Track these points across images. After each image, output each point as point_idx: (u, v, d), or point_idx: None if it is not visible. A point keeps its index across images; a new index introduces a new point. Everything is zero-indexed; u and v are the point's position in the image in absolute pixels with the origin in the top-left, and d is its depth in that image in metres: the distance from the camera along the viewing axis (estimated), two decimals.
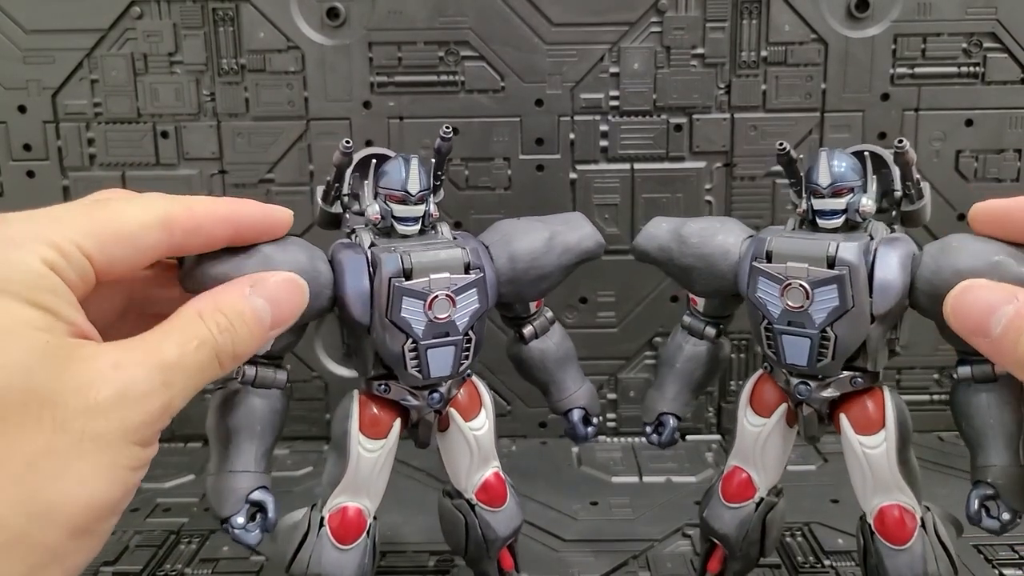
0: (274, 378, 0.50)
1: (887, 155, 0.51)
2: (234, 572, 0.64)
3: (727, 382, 0.85)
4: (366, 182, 0.52)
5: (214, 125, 0.81)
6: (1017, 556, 0.63)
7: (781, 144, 0.50)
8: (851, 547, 0.63)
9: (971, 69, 0.80)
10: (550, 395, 0.59)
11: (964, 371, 0.49)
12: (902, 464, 0.50)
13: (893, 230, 0.51)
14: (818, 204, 0.50)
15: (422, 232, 0.51)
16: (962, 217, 0.82)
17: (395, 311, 0.48)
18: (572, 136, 0.81)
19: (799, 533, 0.67)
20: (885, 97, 0.80)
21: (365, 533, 0.52)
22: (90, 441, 0.36)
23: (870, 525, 0.51)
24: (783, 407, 0.53)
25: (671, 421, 0.57)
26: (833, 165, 0.49)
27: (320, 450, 0.83)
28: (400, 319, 0.48)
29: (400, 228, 0.50)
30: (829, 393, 0.50)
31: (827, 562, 0.63)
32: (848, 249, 0.47)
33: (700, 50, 0.80)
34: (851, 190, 0.49)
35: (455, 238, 0.52)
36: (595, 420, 0.59)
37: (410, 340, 0.49)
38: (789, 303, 0.48)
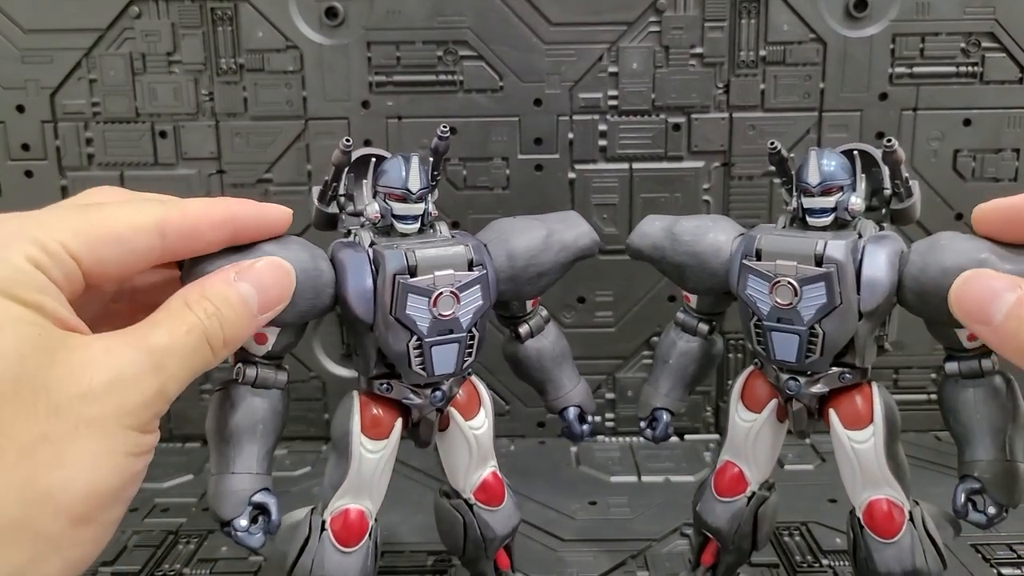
0: (275, 378, 0.49)
1: (877, 154, 0.51)
2: (232, 572, 0.64)
3: (724, 381, 0.85)
4: (364, 181, 0.51)
5: (212, 125, 0.81)
6: (1015, 555, 0.63)
7: (772, 143, 0.51)
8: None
9: (969, 69, 0.80)
10: (546, 394, 0.59)
11: (951, 367, 0.50)
12: (890, 459, 0.50)
13: (882, 228, 0.52)
14: (808, 203, 0.50)
15: (421, 231, 0.51)
16: (960, 216, 0.82)
17: (400, 308, 0.48)
18: (571, 136, 0.81)
19: (797, 532, 0.67)
20: (883, 97, 0.80)
21: (367, 535, 0.51)
22: (85, 427, 0.36)
23: (859, 519, 0.52)
24: (774, 402, 0.54)
25: (665, 416, 0.58)
26: (822, 164, 0.50)
27: (318, 450, 0.83)
28: (405, 316, 0.48)
29: (400, 226, 0.50)
30: (818, 389, 0.51)
31: (825, 561, 0.63)
32: (836, 247, 0.48)
33: (699, 50, 0.80)
34: (840, 189, 0.50)
35: (453, 236, 0.52)
36: (590, 418, 0.59)
37: (415, 337, 0.49)
38: (778, 300, 0.49)
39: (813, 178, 0.50)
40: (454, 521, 0.55)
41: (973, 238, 0.47)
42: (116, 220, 0.40)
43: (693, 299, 0.57)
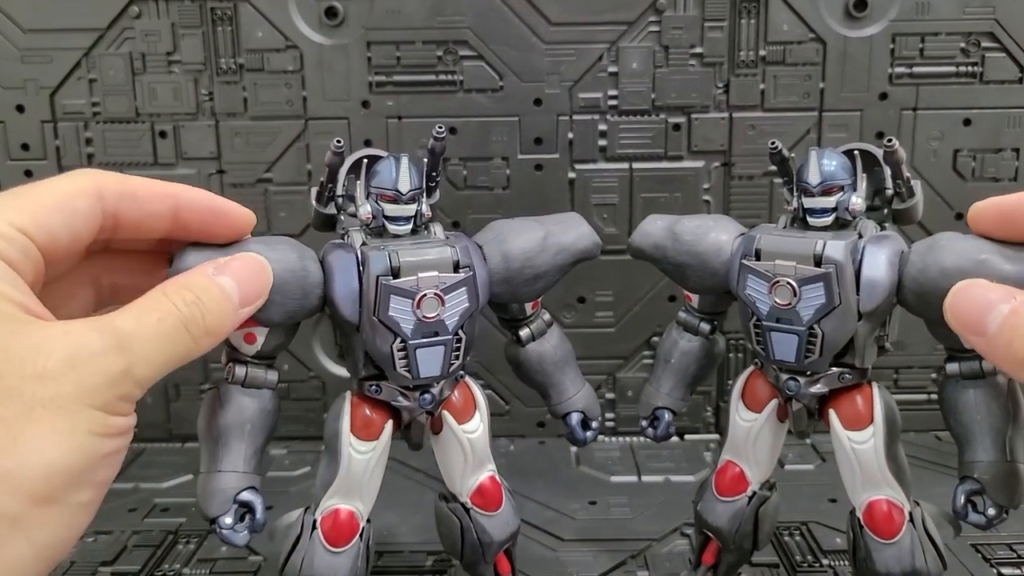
0: (264, 378, 0.50)
1: (878, 153, 0.51)
2: (232, 572, 0.64)
3: (724, 381, 0.85)
4: (359, 182, 0.51)
5: (212, 124, 0.81)
6: (1015, 555, 0.63)
7: (773, 143, 0.51)
8: None
9: (969, 69, 0.80)
10: (549, 398, 0.58)
11: (952, 367, 0.50)
12: (890, 459, 0.50)
13: (884, 228, 0.51)
14: (808, 203, 0.50)
15: (415, 232, 0.51)
16: (960, 216, 0.82)
17: (383, 310, 0.48)
18: (571, 135, 0.81)
19: (797, 532, 0.67)
20: (883, 96, 0.80)
21: (358, 536, 0.52)
22: (41, 407, 0.36)
23: (859, 519, 0.52)
24: (774, 402, 0.54)
25: (666, 415, 0.58)
26: (823, 164, 0.50)
27: (318, 450, 0.83)
28: (388, 318, 0.48)
29: (392, 228, 0.50)
30: (818, 389, 0.51)
31: (825, 561, 0.63)
32: (835, 247, 0.48)
33: (698, 49, 0.80)
34: (841, 189, 0.50)
35: (448, 238, 0.51)
36: (594, 424, 0.59)
37: (399, 339, 0.49)
38: (777, 300, 0.49)
39: (813, 178, 0.50)
40: (452, 525, 0.55)
41: (973, 239, 0.47)
42: (54, 189, 0.42)
43: (695, 299, 0.57)
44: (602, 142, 0.81)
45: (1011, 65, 0.79)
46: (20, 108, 0.81)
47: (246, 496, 0.48)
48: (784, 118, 0.81)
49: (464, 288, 0.49)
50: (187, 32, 0.80)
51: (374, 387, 0.51)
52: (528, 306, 0.57)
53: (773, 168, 0.53)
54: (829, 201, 0.50)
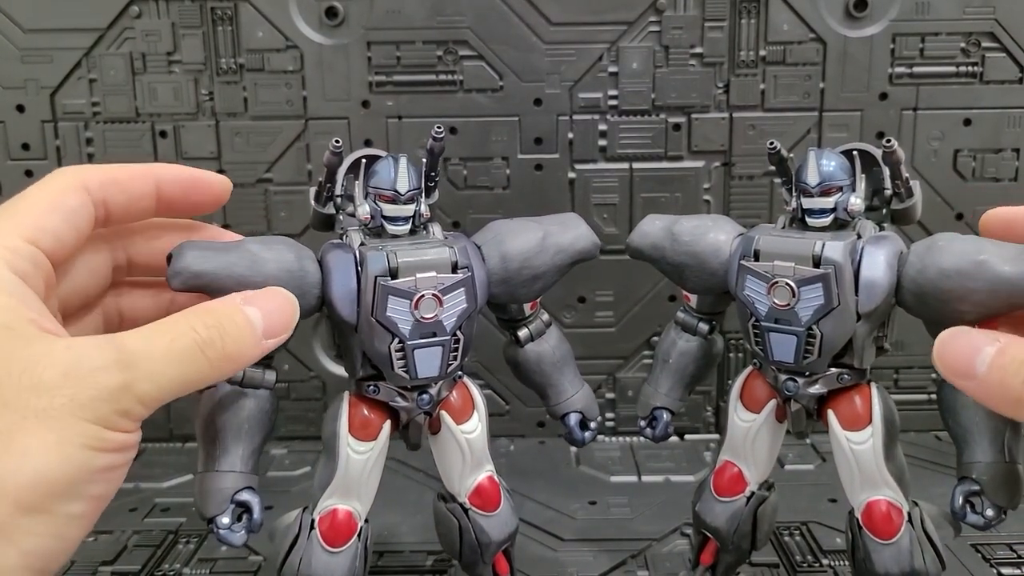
0: (262, 378, 0.50)
1: (877, 153, 0.51)
2: (232, 572, 0.64)
3: (724, 381, 0.85)
4: (357, 182, 0.51)
5: (212, 124, 0.81)
6: (1015, 555, 0.63)
7: (772, 143, 0.51)
8: None
9: (969, 69, 0.80)
10: (547, 399, 0.58)
11: None
12: (889, 460, 0.50)
13: (883, 228, 0.51)
14: (807, 203, 0.50)
15: (413, 232, 0.51)
16: (960, 216, 0.82)
17: (380, 310, 0.48)
18: (571, 135, 0.81)
19: (797, 532, 0.67)
20: (883, 97, 0.80)
21: (356, 536, 0.52)
22: (35, 417, 0.36)
23: (858, 520, 0.52)
24: (772, 403, 0.54)
25: (664, 415, 0.58)
26: (822, 164, 0.50)
27: (318, 450, 0.83)
28: (386, 318, 0.48)
29: (390, 228, 0.50)
30: (816, 389, 0.51)
31: (825, 561, 0.63)
32: (833, 248, 0.48)
33: (699, 49, 0.80)
34: (840, 189, 0.50)
35: (446, 238, 0.51)
36: (593, 425, 0.58)
37: (396, 340, 0.49)
38: (776, 301, 0.49)
39: (812, 178, 0.50)
40: (451, 525, 0.55)
41: (972, 239, 0.47)
42: (44, 193, 0.43)
43: (693, 299, 0.57)
44: (602, 142, 0.81)
45: (1011, 65, 0.79)
46: (20, 108, 0.81)
47: (243, 496, 0.48)
48: (784, 118, 0.81)
49: (462, 289, 0.49)
50: (187, 32, 0.80)
51: (372, 387, 0.51)
52: (527, 307, 0.57)
53: (773, 168, 0.53)
54: (828, 201, 0.50)
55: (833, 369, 0.51)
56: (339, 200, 0.52)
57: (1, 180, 0.82)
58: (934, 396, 0.52)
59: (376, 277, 0.48)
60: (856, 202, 0.50)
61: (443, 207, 0.81)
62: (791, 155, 0.52)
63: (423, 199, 0.51)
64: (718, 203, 0.82)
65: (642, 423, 0.59)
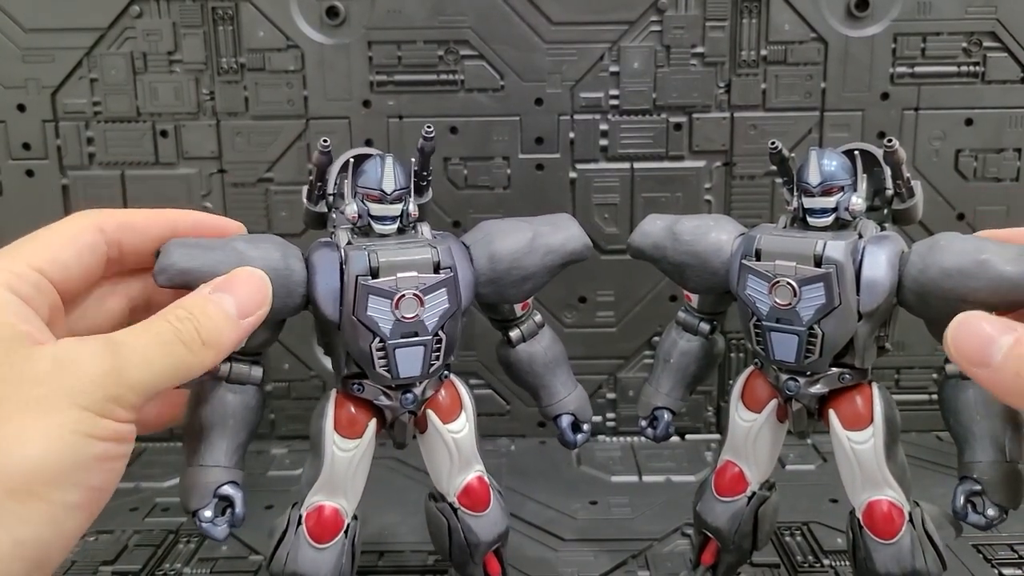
0: (249, 374, 0.50)
1: (879, 153, 0.51)
2: (232, 572, 0.64)
3: (725, 381, 0.85)
4: (347, 181, 0.51)
5: (213, 124, 0.81)
6: (1016, 555, 0.63)
7: (773, 143, 0.50)
8: None
9: (971, 68, 0.79)
10: (540, 400, 0.58)
11: (952, 368, 0.50)
12: (890, 460, 0.50)
13: (884, 228, 0.51)
14: (808, 203, 0.50)
15: (402, 232, 0.51)
16: (962, 216, 0.82)
17: (361, 309, 0.48)
18: (572, 135, 0.81)
19: (798, 533, 0.67)
20: (885, 96, 0.80)
21: (343, 533, 0.52)
22: (26, 406, 0.37)
23: (859, 519, 0.52)
24: (774, 402, 0.54)
25: (665, 415, 0.58)
26: (823, 164, 0.50)
27: None
28: (367, 317, 0.48)
29: (377, 227, 0.50)
30: (817, 389, 0.51)
31: (826, 561, 0.63)
32: (835, 248, 0.48)
33: (700, 49, 0.80)
34: (841, 189, 0.50)
35: (434, 238, 0.52)
36: (586, 427, 0.58)
37: (377, 339, 0.49)
38: (777, 301, 0.49)
39: (813, 178, 0.50)
40: (440, 524, 0.55)
41: (974, 239, 0.47)
42: (61, 230, 0.46)
43: (695, 298, 0.57)
44: (603, 142, 0.81)
45: (1013, 65, 0.79)
46: (21, 107, 0.81)
47: (226, 490, 0.49)
48: (785, 118, 0.81)
49: (444, 289, 0.49)
50: (188, 32, 0.80)
51: (357, 386, 0.51)
52: (518, 307, 0.56)
53: (774, 168, 0.53)
54: (829, 201, 0.50)
55: (834, 369, 0.51)
56: (331, 199, 0.52)
57: (2, 180, 0.82)
58: (935, 396, 0.52)
59: (357, 276, 0.48)
60: (857, 202, 0.50)
61: (444, 207, 0.81)
62: (792, 155, 0.52)
63: (411, 199, 0.51)
64: (719, 203, 0.82)
65: (643, 423, 0.59)
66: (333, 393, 0.53)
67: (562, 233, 0.54)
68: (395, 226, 0.51)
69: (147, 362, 0.41)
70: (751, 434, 0.54)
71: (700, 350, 0.57)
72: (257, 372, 0.51)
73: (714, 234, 0.53)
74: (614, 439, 0.86)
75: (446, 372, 0.53)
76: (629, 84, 0.80)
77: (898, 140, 0.49)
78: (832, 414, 0.52)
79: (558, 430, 0.58)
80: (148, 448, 0.85)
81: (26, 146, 0.82)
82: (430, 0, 0.79)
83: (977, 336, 0.42)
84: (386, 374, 0.50)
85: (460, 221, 0.82)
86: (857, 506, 0.52)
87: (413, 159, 0.51)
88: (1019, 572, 0.61)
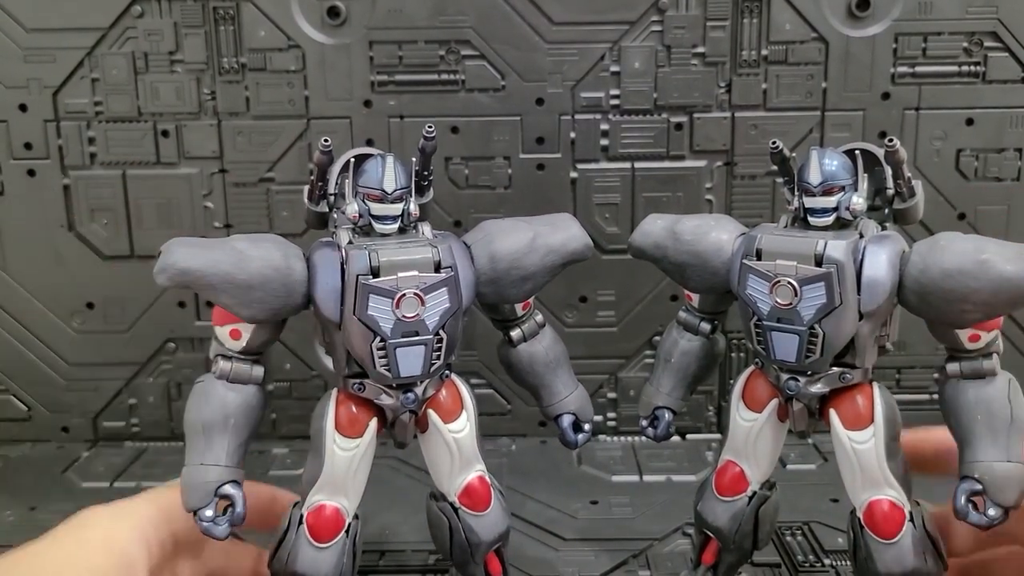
0: (250, 374, 0.50)
1: (879, 153, 0.51)
2: None
3: (726, 381, 0.85)
4: (347, 181, 0.52)
5: (215, 124, 0.81)
6: None
7: (774, 142, 0.51)
8: None
9: (972, 68, 0.79)
10: (540, 399, 0.58)
11: (953, 368, 0.50)
12: (891, 459, 0.50)
13: (884, 228, 0.51)
14: (809, 202, 0.50)
15: (403, 231, 0.51)
16: (963, 216, 0.82)
17: (362, 309, 0.48)
18: (573, 135, 0.81)
19: (799, 532, 0.67)
20: (886, 96, 0.80)
21: (344, 532, 0.52)
22: None
23: (859, 519, 0.52)
24: (775, 402, 0.54)
25: (666, 415, 0.58)
26: (824, 164, 0.50)
27: None
28: (368, 317, 0.48)
29: (378, 227, 0.50)
30: (818, 389, 0.51)
31: (827, 561, 0.63)
32: (836, 247, 0.48)
33: (701, 49, 0.80)
34: (842, 189, 0.50)
35: (435, 237, 0.52)
36: (587, 427, 0.58)
37: (378, 339, 0.49)
38: (778, 300, 0.49)
39: (815, 178, 0.50)
40: (441, 524, 0.55)
41: (974, 238, 0.48)
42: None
43: (696, 298, 0.57)
44: (604, 141, 0.81)
45: (1014, 65, 0.79)
46: (23, 107, 0.81)
47: (227, 489, 0.49)
48: (786, 118, 0.81)
49: (445, 288, 0.49)
50: (189, 31, 0.80)
51: (358, 385, 0.51)
52: (519, 307, 0.56)
53: (775, 168, 0.53)
54: (830, 201, 0.50)
55: (835, 368, 0.51)
56: (332, 198, 0.52)
57: (3, 179, 0.82)
58: (936, 396, 0.52)
59: (358, 275, 0.48)
60: (858, 201, 0.50)
61: (445, 207, 0.81)
62: (793, 155, 0.52)
63: (412, 198, 0.51)
64: (720, 203, 0.82)
65: (643, 423, 0.59)
66: (334, 392, 0.53)
67: (562, 233, 0.54)
68: (396, 226, 0.51)
69: None
70: (752, 434, 0.54)
71: (701, 350, 0.58)
72: (258, 371, 0.51)
73: (715, 234, 0.53)
74: (615, 439, 0.86)
75: (447, 372, 0.54)
76: (630, 84, 0.80)
77: (899, 140, 0.49)
78: (833, 414, 0.52)
79: (559, 430, 0.58)
80: (149, 448, 0.85)
81: (28, 146, 0.82)
82: (431, 0, 0.79)
83: None
84: (387, 373, 0.50)
85: (461, 221, 0.82)
86: (858, 506, 0.52)
87: (414, 159, 0.51)
88: None
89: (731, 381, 0.84)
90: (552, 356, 0.58)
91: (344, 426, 0.52)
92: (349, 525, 0.52)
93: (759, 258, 0.50)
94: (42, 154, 0.82)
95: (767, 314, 0.50)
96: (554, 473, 0.79)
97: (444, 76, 0.80)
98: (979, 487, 0.48)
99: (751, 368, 0.55)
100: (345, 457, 0.51)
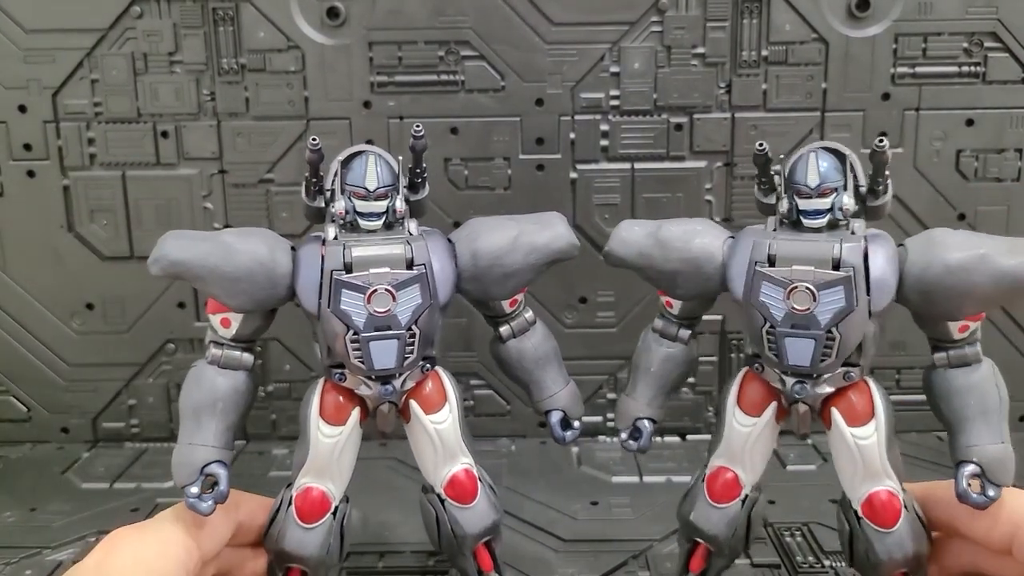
0: (240, 360, 0.53)
1: (846, 151, 0.51)
2: None
3: (726, 381, 0.85)
4: (336, 178, 0.53)
5: (214, 125, 0.81)
6: None
7: (761, 144, 0.51)
8: None
9: (972, 69, 0.79)
10: (531, 395, 0.59)
11: (940, 357, 0.51)
12: (890, 451, 0.51)
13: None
14: (804, 204, 0.50)
15: (389, 227, 0.53)
16: (963, 217, 0.82)
17: (335, 303, 0.50)
18: (572, 136, 0.81)
19: (799, 533, 0.67)
20: (886, 97, 0.80)
21: (331, 514, 0.54)
22: None
23: (856, 511, 0.52)
24: (773, 405, 0.53)
25: (648, 425, 0.56)
26: (820, 166, 0.50)
27: None
28: (340, 311, 0.50)
29: (363, 223, 0.52)
30: (824, 389, 0.51)
31: (827, 562, 0.63)
32: (852, 251, 0.48)
33: (700, 49, 0.80)
34: (835, 189, 0.50)
35: (419, 234, 0.53)
36: (576, 424, 0.58)
37: (351, 331, 0.51)
38: (795, 306, 0.49)
39: (812, 180, 0.50)
40: (430, 515, 0.56)
41: (965, 233, 0.49)
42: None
43: (676, 305, 0.56)
44: (604, 142, 0.81)
45: (1014, 65, 0.79)
46: (22, 108, 0.81)
47: (213, 468, 0.51)
48: (786, 118, 0.81)
49: (416, 285, 0.51)
50: (189, 32, 0.80)
51: (339, 375, 0.53)
52: (506, 304, 0.57)
53: (777, 168, 0.53)
54: (825, 202, 0.50)
55: (840, 368, 0.51)
56: (329, 194, 0.53)
57: (3, 180, 0.82)
58: None
59: (332, 271, 0.50)
60: (849, 202, 0.50)
61: (444, 207, 0.81)
62: (781, 156, 0.52)
63: (398, 196, 0.52)
64: (720, 203, 0.82)
65: (623, 435, 0.57)
66: (321, 381, 0.55)
67: (548, 232, 0.55)
68: (380, 222, 0.52)
69: None
70: (750, 439, 0.54)
71: (682, 356, 0.56)
72: (248, 358, 0.53)
73: (700, 239, 0.53)
74: (615, 439, 0.85)
75: (429, 365, 0.55)
76: (630, 84, 0.80)
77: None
78: (835, 412, 0.52)
79: (548, 426, 0.58)
80: (149, 448, 0.85)
81: (27, 147, 0.82)
82: (431, 1, 0.79)
83: None
84: (361, 365, 0.52)
85: (460, 221, 0.81)
86: (856, 499, 0.52)
87: (400, 157, 0.53)
88: None
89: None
90: (541, 353, 0.58)
91: (328, 414, 0.54)
92: (336, 508, 0.54)
93: (772, 264, 0.50)
94: (42, 155, 0.82)
95: (781, 320, 0.49)
96: (554, 474, 0.79)
97: (444, 77, 0.80)
98: (979, 470, 0.49)
99: (744, 371, 0.55)
100: (328, 443, 0.53)
